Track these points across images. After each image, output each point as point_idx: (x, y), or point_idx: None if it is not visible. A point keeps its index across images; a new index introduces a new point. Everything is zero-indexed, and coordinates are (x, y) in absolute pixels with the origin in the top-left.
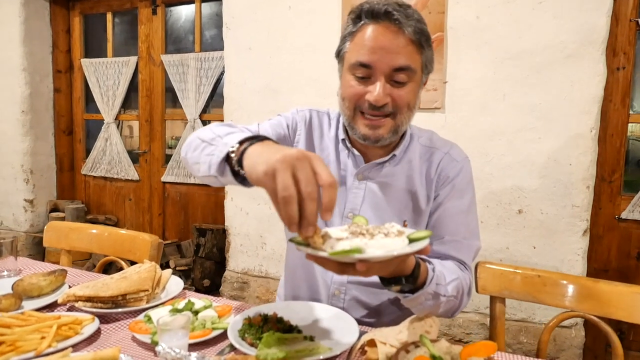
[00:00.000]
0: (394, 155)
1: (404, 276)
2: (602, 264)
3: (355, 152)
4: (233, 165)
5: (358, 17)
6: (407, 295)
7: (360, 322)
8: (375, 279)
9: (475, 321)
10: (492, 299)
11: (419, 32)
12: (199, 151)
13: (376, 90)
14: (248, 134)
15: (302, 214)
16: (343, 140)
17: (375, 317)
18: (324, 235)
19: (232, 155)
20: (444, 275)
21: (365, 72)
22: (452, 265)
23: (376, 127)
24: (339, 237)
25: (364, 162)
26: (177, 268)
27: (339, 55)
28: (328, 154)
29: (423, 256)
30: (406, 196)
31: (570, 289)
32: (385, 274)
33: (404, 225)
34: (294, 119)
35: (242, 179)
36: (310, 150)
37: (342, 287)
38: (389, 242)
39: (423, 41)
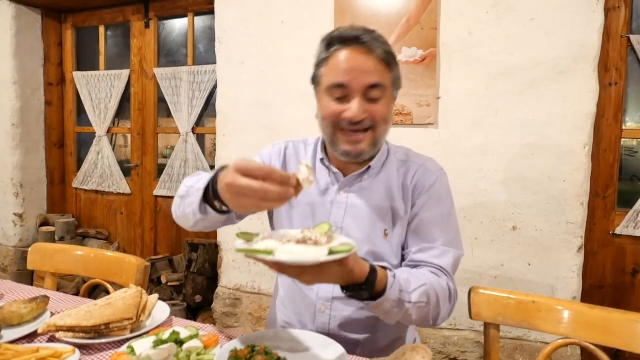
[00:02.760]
0: (369, 166)
1: (357, 284)
2: (597, 280)
3: (334, 169)
4: (211, 202)
5: (329, 43)
6: (367, 302)
7: (350, 340)
8: None
9: (470, 339)
10: (486, 325)
11: (387, 52)
12: (183, 206)
13: (353, 107)
14: (211, 174)
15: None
16: (321, 159)
17: (366, 332)
18: (264, 237)
19: (210, 191)
20: (410, 282)
21: (341, 92)
22: (423, 272)
23: (357, 142)
24: (288, 239)
25: (343, 178)
26: (169, 283)
27: (315, 80)
28: None
29: (384, 263)
30: (385, 207)
31: (566, 315)
32: (317, 280)
33: (385, 235)
34: (269, 154)
35: (226, 211)
36: None
37: (328, 303)
38: (299, 249)
39: (390, 60)
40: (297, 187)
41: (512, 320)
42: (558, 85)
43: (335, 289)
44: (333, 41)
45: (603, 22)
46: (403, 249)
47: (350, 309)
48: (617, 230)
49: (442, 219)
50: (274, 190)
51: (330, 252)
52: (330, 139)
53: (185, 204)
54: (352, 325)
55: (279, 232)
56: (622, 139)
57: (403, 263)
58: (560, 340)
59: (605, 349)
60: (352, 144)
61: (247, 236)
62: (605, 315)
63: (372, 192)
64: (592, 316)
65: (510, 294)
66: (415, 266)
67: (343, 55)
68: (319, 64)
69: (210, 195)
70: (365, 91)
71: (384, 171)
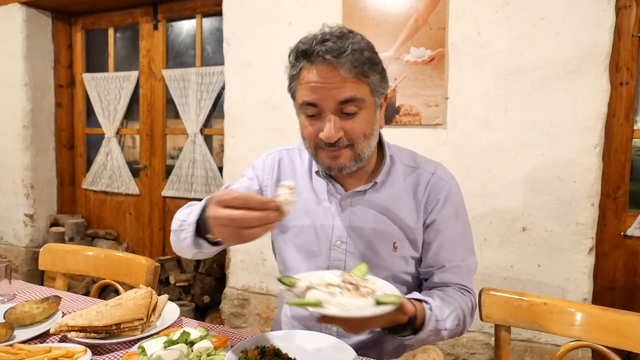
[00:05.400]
0: (376, 182)
1: (401, 324)
2: (608, 282)
3: (333, 181)
4: (204, 235)
5: (296, 58)
6: (409, 337)
7: (356, 345)
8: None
9: (479, 341)
10: (497, 327)
11: (358, 64)
12: (179, 241)
13: (327, 128)
14: (200, 206)
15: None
16: (317, 172)
17: (373, 340)
18: (309, 286)
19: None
20: (442, 309)
21: (314, 111)
22: (451, 294)
23: (336, 157)
24: (329, 283)
25: (344, 190)
26: (177, 284)
27: (291, 94)
28: (303, 189)
29: (418, 295)
30: (392, 219)
31: (578, 317)
32: (363, 329)
33: (394, 248)
34: (262, 165)
35: (220, 242)
36: None
37: None
38: (348, 301)
39: (366, 69)
40: (279, 210)
41: (523, 323)
42: (568, 85)
43: None
44: (299, 55)
45: (614, 22)
46: (420, 262)
47: None
48: (629, 232)
49: (462, 232)
50: (254, 216)
51: (378, 303)
52: (314, 157)
53: (180, 239)
54: (362, 340)
55: (317, 275)
56: (634, 139)
57: (425, 284)
58: (572, 343)
59: (617, 351)
60: (333, 159)
61: (290, 280)
62: (618, 317)
63: (377, 204)
64: (605, 319)
65: (522, 295)
66: (441, 287)
67: (309, 72)
68: (291, 78)
69: (202, 228)
70: (337, 107)
71: (388, 181)
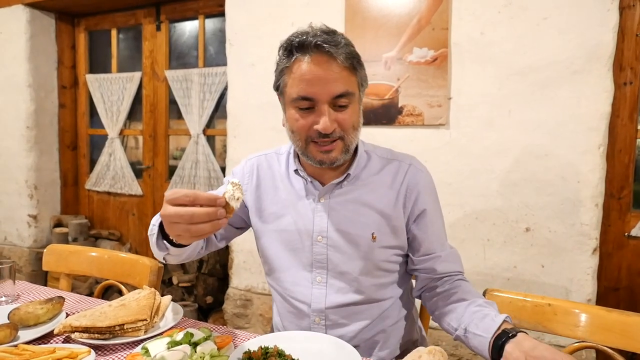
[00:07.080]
0: (349, 174)
1: None
2: (613, 282)
3: (311, 178)
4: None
5: (290, 52)
6: None
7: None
8: (350, 299)
9: None
10: None
11: (350, 56)
12: (152, 245)
13: (323, 121)
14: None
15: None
16: (296, 170)
17: (367, 338)
18: None
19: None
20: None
21: (308, 104)
22: (474, 293)
23: (329, 151)
24: None
25: (322, 186)
26: (180, 284)
27: (278, 89)
28: (282, 189)
29: (499, 321)
30: (371, 209)
31: (583, 318)
32: None
33: (373, 238)
34: (241, 171)
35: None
36: (264, 194)
37: (322, 314)
38: None
39: (355, 63)
40: (228, 206)
41: (527, 323)
42: (572, 85)
43: (327, 300)
44: (293, 49)
45: (618, 21)
46: (410, 250)
47: (345, 317)
48: (633, 232)
49: (442, 220)
50: (201, 212)
51: None
52: (303, 151)
53: (152, 243)
54: (350, 332)
55: None
56: (638, 139)
57: (427, 275)
58: (577, 344)
59: (621, 352)
60: (325, 154)
61: None
62: (622, 318)
63: (355, 197)
64: (609, 319)
65: (526, 296)
66: (445, 277)
67: (305, 65)
68: (282, 72)
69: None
70: (332, 101)
71: (365, 173)
